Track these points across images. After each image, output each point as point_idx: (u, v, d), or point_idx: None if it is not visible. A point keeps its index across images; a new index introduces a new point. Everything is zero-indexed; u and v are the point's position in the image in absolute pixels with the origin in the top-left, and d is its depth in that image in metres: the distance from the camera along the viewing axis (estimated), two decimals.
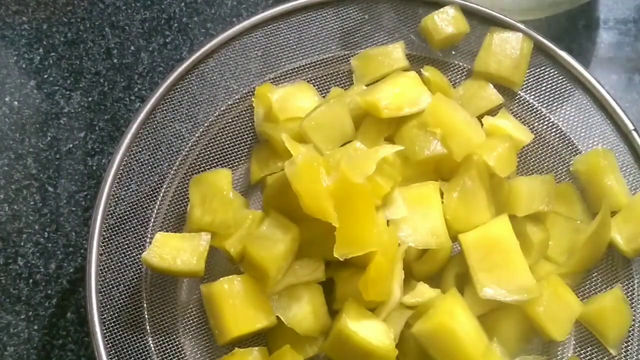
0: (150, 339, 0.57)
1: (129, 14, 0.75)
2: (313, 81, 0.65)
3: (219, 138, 0.63)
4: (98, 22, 0.75)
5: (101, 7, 0.75)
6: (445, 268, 0.58)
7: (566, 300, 0.56)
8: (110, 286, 0.56)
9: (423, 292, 0.55)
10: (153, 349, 0.57)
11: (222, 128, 0.63)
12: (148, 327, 0.57)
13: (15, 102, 0.71)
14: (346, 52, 0.65)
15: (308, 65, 0.65)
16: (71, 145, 0.70)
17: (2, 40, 0.74)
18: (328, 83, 0.65)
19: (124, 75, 0.72)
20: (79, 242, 0.66)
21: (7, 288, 0.65)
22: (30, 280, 0.65)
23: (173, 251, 0.55)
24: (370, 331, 0.52)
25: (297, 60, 0.64)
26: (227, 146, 0.63)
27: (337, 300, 0.56)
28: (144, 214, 0.59)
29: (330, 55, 0.65)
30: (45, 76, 0.72)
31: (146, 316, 0.57)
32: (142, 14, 0.75)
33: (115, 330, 0.55)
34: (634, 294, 0.58)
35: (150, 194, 0.59)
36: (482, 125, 0.60)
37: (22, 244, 0.66)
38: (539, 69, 0.64)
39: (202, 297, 0.56)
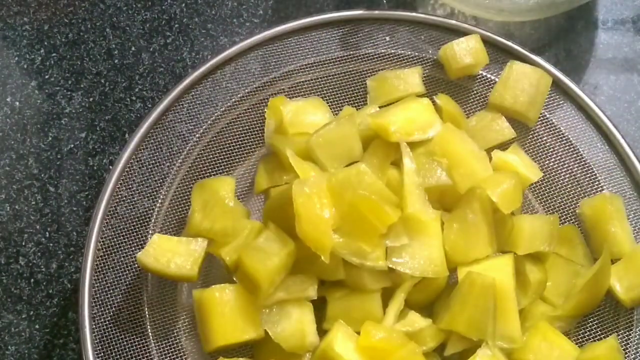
0: (150, 339, 0.57)
1: (129, 15, 0.75)
2: (326, 97, 0.65)
3: (222, 143, 0.62)
4: (99, 23, 0.75)
5: (102, 8, 0.75)
6: (439, 297, 0.57)
7: (558, 345, 0.55)
8: (110, 286, 0.57)
9: (414, 321, 0.55)
10: (154, 349, 0.57)
11: (227, 135, 0.63)
12: (148, 328, 0.57)
13: (17, 103, 0.71)
14: (360, 66, 0.65)
15: (322, 78, 0.65)
16: (72, 146, 0.70)
17: (3, 41, 0.74)
18: (342, 100, 0.65)
19: (125, 76, 0.73)
20: (80, 241, 0.66)
21: (9, 287, 0.65)
22: (32, 280, 0.66)
23: (168, 254, 0.55)
24: (356, 355, 0.52)
25: (310, 73, 0.64)
26: (230, 151, 0.63)
27: (327, 319, 0.56)
28: (145, 215, 0.59)
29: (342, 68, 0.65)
30: (47, 77, 0.73)
31: (147, 316, 0.58)
32: (142, 14, 0.75)
33: (115, 331, 0.56)
34: (629, 343, 0.57)
35: (152, 196, 0.60)
36: (491, 158, 0.59)
37: (23, 243, 0.67)
38: (556, 106, 0.64)
39: (193, 302, 0.56)
